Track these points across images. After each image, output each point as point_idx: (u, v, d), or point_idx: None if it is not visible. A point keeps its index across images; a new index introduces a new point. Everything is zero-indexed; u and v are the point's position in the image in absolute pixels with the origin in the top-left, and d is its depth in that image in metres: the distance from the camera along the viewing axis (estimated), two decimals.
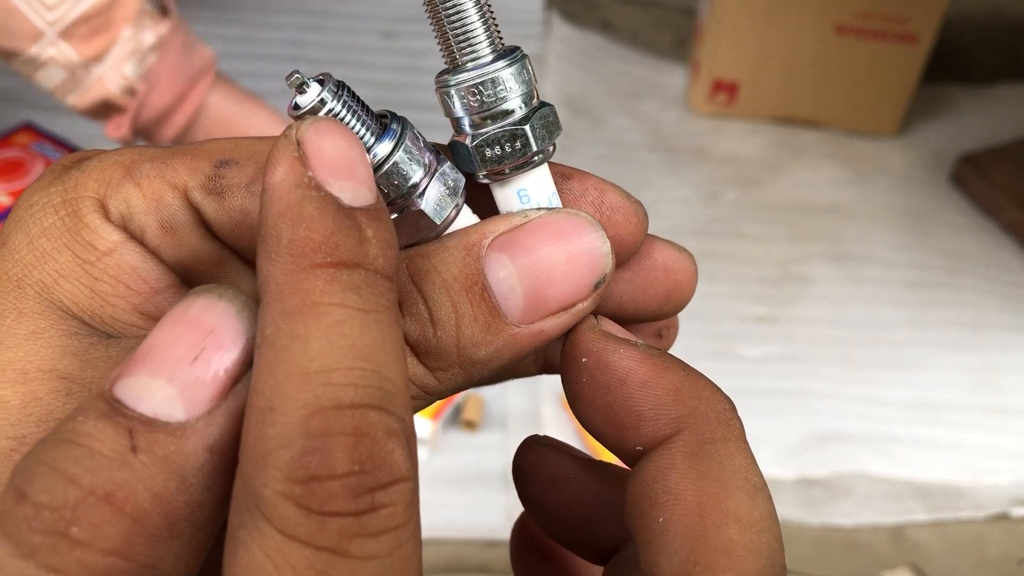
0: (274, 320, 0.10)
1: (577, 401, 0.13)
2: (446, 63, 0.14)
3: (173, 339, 0.10)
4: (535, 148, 0.14)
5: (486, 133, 0.13)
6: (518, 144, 0.13)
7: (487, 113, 0.13)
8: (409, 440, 0.10)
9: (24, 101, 0.55)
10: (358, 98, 0.13)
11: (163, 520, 0.10)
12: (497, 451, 0.40)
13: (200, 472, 0.10)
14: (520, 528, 0.17)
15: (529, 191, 0.14)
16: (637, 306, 0.15)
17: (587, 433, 0.45)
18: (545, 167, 0.14)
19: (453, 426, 0.40)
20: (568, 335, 0.13)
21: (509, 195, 0.14)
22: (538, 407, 0.41)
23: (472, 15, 0.13)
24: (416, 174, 0.13)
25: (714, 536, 0.12)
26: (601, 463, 0.16)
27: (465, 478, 0.38)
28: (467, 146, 0.13)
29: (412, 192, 0.13)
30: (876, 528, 0.39)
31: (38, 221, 0.12)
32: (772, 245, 0.53)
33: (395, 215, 0.13)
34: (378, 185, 0.12)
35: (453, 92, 0.14)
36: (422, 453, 0.39)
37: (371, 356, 0.10)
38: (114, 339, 0.12)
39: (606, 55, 0.67)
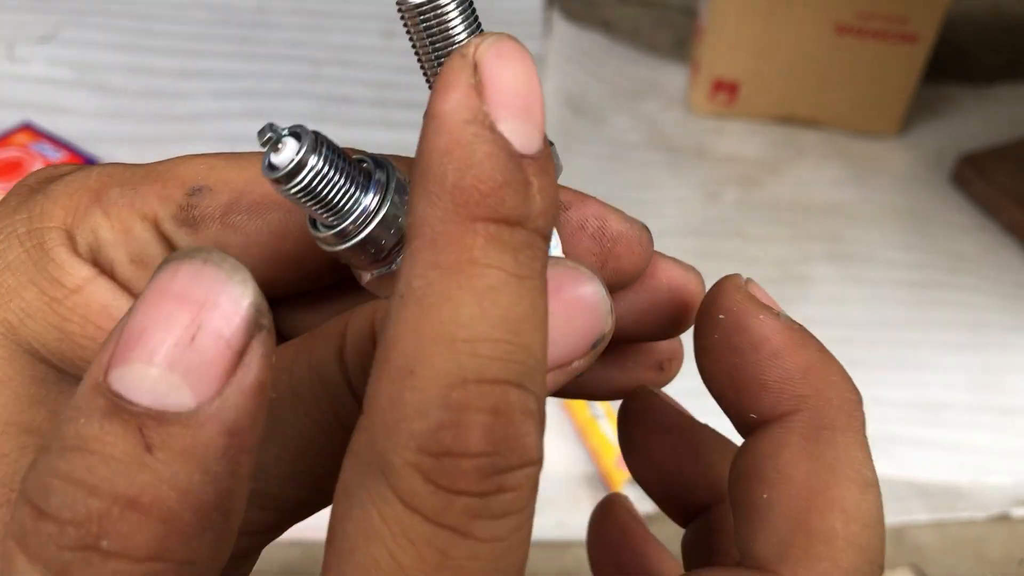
0: (424, 272, 0.09)
1: (704, 355, 0.13)
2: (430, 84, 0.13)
3: (165, 317, 0.09)
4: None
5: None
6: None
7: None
8: (543, 422, 0.10)
9: (23, 101, 0.55)
10: (336, 148, 0.12)
11: (194, 515, 0.09)
12: None
13: (223, 459, 0.09)
14: (604, 513, 0.17)
15: None
16: (640, 328, 0.15)
17: (588, 436, 0.44)
18: None
19: None
20: (711, 290, 0.13)
21: None
22: None
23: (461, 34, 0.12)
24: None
25: (817, 522, 0.12)
26: (706, 426, 0.16)
27: None
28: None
29: (402, 245, 0.12)
30: None
31: (2, 254, 0.12)
32: (772, 245, 0.53)
33: (383, 270, 0.12)
34: (366, 241, 0.11)
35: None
36: None
37: (520, 329, 0.09)
38: None
39: (606, 54, 0.66)
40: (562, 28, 0.67)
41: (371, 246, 0.12)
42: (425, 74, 0.12)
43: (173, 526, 0.09)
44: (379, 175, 0.12)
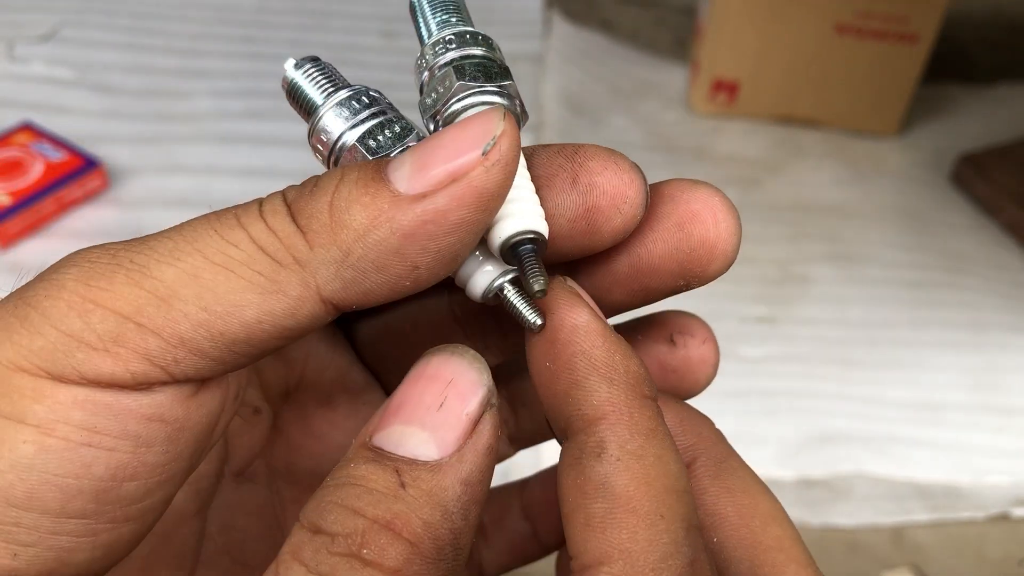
0: (633, 437, 0.12)
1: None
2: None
3: (419, 392, 0.13)
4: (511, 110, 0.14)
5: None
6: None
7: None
8: None
9: (24, 101, 0.55)
10: (328, 73, 0.15)
11: (432, 545, 0.12)
12: None
13: (458, 503, 0.12)
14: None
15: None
16: (640, 269, 0.15)
17: None
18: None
19: None
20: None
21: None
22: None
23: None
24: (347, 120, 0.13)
25: (764, 538, 0.14)
26: None
27: None
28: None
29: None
30: (876, 528, 0.39)
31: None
32: (772, 245, 0.53)
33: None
34: (319, 131, 0.14)
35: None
36: None
37: (685, 481, 0.13)
38: None
39: (606, 55, 0.66)
40: (562, 28, 0.67)
41: (324, 135, 0.14)
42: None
43: (416, 549, 0.12)
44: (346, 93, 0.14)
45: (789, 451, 0.41)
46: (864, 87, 0.60)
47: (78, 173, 0.49)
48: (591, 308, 0.13)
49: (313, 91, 0.14)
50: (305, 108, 0.14)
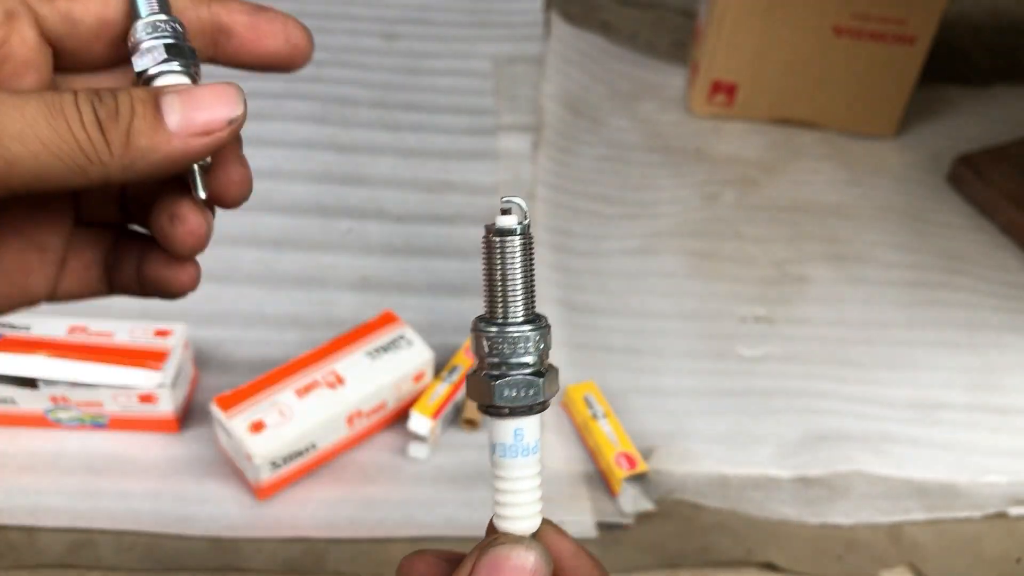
0: None
1: None
2: (486, 311, 0.17)
3: None
4: (543, 398, 0.17)
5: (507, 376, 0.17)
6: (531, 391, 0.17)
7: (508, 361, 0.17)
8: None
9: None
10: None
11: None
12: None
13: None
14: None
15: (524, 431, 0.17)
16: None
17: (587, 435, 0.45)
18: (539, 416, 0.17)
19: (453, 425, 0.41)
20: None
21: (506, 430, 0.17)
22: None
23: (519, 282, 0.17)
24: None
25: None
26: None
27: (465, 476, 0.39)
28: (488, 383, 0.17)
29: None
30: (874, 527, 0.39)
31: None
32: (770, 245, 0.53)
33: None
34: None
35: (484, 338, 0.17)
36: (422, 451, 0.39)
37: None
38: None
39: (606, 56, 0.67)
40: (561, 30, 0.67)
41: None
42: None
43: None
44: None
45: (787, 450, 0.41)
46: (862, 88, 0.60)
47: None
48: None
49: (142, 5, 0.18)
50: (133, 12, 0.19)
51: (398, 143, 0.57)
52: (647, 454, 0.40)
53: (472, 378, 0.17)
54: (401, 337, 0.39)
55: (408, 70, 0.63)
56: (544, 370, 0.17)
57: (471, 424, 0.40)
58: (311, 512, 0.36)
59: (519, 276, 0.17)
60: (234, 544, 0.35)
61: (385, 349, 0.38)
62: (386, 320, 0.40)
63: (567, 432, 0.41)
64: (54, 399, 0.37)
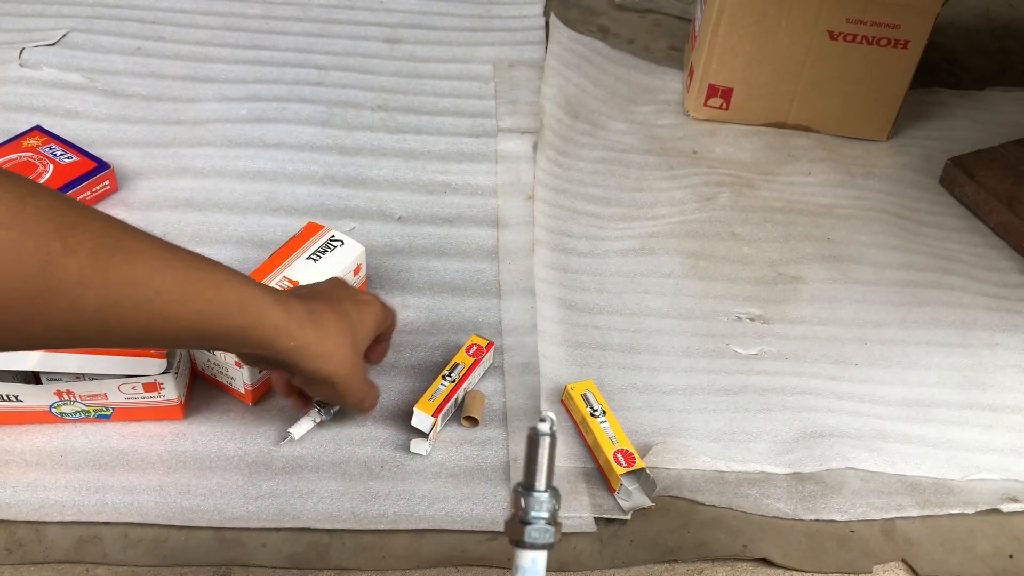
0: None
1: None
2: (523, 479, 0.28)
3: None
4: (552, 540, 0.27)
5: (532, 523, 0.27)
6: (546, 535, 0.27)
7: (533, 515, 0.27)
8: None
9: (34, 105, 0.57)
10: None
11: None
12: (497, 446, 0.40)
13: None
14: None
15: (538, 560, 0.27)
16: None
17: (586, 433, 0.45)
18: (547, 551, 0.27)
19: (454, 421, 0.41)
20: None
21: (527, 558, 0.27)
22: (537, 404, 0.42)
23: (546, 466, 0.27)
24: None
25: None
26: None
27: (466, 472, 0.39)
28: (521, 527, 0.27)
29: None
30: (868, 523, 0.39)
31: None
32: (765, 246, 0.54)
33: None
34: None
35: (521, 498, 0.27)
36: (423, 447, 0.39)
37: None
38: None
39: (604, 60, 0.68)
40: (560, 34, 0.68)
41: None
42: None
43: None
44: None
45: (782, 447, 0.42)
46: (856, 92, 0.61)
47: (88, 176, 0.50)
48: None
49: None
50: None
51: (400, 145, 0.57)
52: (644, 451, 0.40)
53: (509, 522, 0.27)
54: (332, 238, 0.44)
55: (410, 74, 0.64)
56: (554, 522, 0.27)
57: (471, 421, 0.41)
58: (314, 504, 0.37)
59: (546, 462, 0.27)
60: (239, 539, 0.36)
61: (323, 251, 0.43)
62: (312, 230, 0.44)
63: (566, 429, 0.41)
64: (59, 393, 0.38)
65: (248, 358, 0.36)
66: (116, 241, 0.25)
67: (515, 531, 0.27)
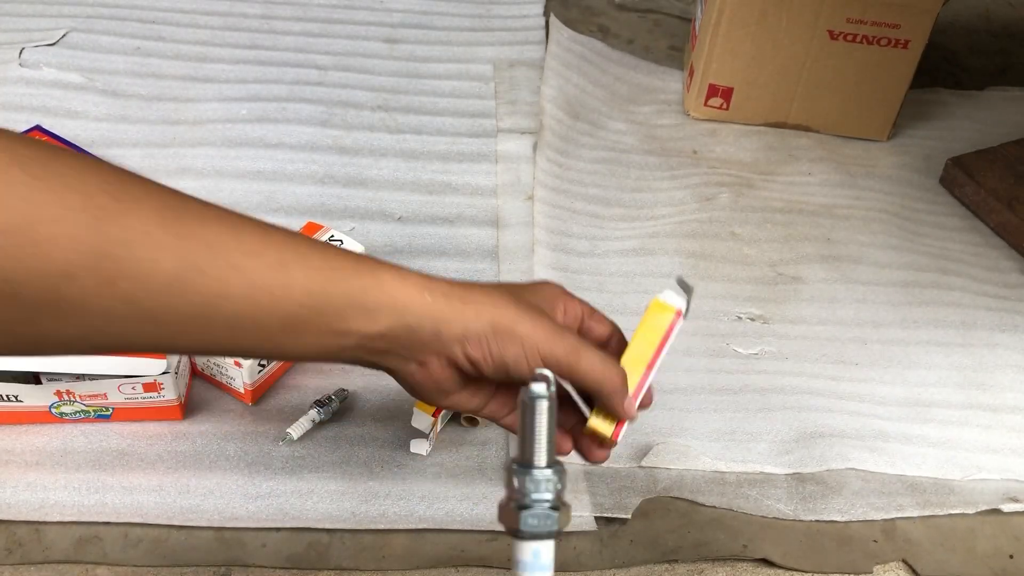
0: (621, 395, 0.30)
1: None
2: (517, 454, 0.22)
3: None
4: (557, 528, 0.22)
5: (531, 508, 0.21)
6: (549, 522, 0.22)
7: (532, 497, 0.22)
8: None
9: (34, 105, 0.57)
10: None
11: None
12: (497, 446, 0.40)
13: None
14: None
15: (541, 552, 0.22)
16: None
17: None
18: (553, 541, 0.22)
19: (454, 421, 0.41)
20: None
21: (527, 551, 0.22)
22: None
23: (545, 436, 0.21)
24: None
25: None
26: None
27: (466, 471, 0.39)
28: (516, 513, 0.22)
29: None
30: (868, 523, 0.39)
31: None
32: (765, 246, 0.54)
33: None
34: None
35: (515, 476, 0.22)
36: (423, 447, 0.39)
37: None
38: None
39: (604, 60, 0.68)
40: (561, 34, 0.68)
41: None
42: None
43: None
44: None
45: (782, 447, 0.42)
46: (856, 92, 0.61)
47: None
48: None
49: None
50: None
51: (400, 145, 0.58)
52: (644, 451, 0.40)
53: (503, 507, 0.22)
54: (332, 238, 0.43)
55: (410, 74, 0.64)
56: (559, 505, 0.22)
57: (471, 421, 0.41)
58: (314, 504, 0.37)
59: (545, 431, 0.21)
60: (239, 539, 0.36)
61: None
62: (311, 229, 0.44)
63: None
64: (58, 393, 0.38)
65: (394, 359, 0.25)
66: (180, 202, 0.22)
67: (511, 518, 0.21)
